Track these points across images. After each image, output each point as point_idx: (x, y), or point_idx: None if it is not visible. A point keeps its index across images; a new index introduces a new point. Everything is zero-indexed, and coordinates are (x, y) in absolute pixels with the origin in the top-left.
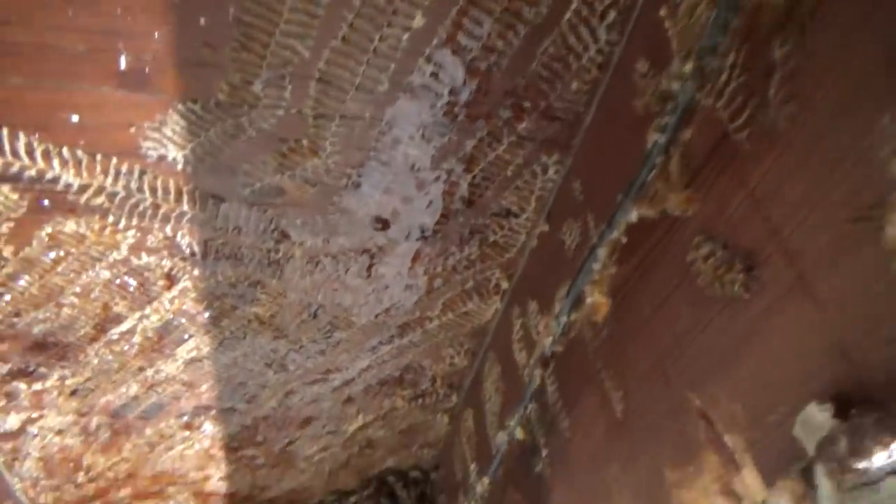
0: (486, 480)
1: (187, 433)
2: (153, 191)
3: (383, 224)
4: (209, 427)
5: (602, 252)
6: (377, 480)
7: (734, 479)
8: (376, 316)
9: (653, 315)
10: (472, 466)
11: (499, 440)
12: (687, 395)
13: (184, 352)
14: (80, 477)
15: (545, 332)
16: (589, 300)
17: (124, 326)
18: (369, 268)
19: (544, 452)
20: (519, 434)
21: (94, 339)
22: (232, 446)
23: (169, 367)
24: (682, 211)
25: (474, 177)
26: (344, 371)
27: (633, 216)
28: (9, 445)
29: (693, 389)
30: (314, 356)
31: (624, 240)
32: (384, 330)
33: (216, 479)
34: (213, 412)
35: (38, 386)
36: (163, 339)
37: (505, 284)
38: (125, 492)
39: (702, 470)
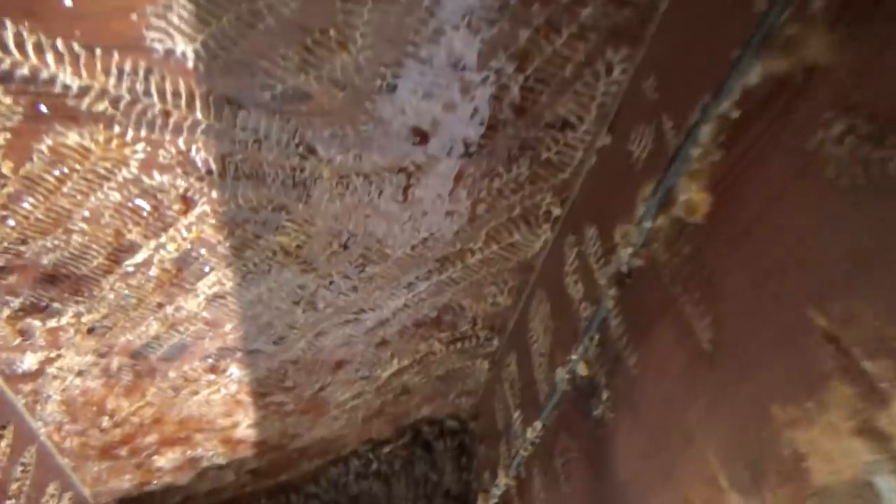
0: (536, 426)
1: (213, 377)
2: (162, 95)
3: (422, 137)
4: (235, 370)
5: (705, 132)
6: (412, 430)
7: (877, 414)
8: (412, 248)
9: (762, 215)
10: (516, 414)
11: (549, 383)
12: (807, 313)
13: (205, 287)
14: (105, 422)
15: (624, 242)
16: (683, 198)
17: (139, 257)
18: (406, 190)
19: (605, 394)
20: (582, 370)
21: (108, 272)
22: (259, 391)
23: (190, 304)
24: (827, 59)
25: (527, 78)
26: (378, 310)
27: (755, 76)
28: (28, 387)
29: (817, 306)
30: (346, 293)
31: (735, 114)
32: (421, 264)
33: (244, 426)
34: (239, 354)
35: (52, 323)
36: (182, 272)
37: (557, 210)
38: (151, 438)
39: (826, 405)
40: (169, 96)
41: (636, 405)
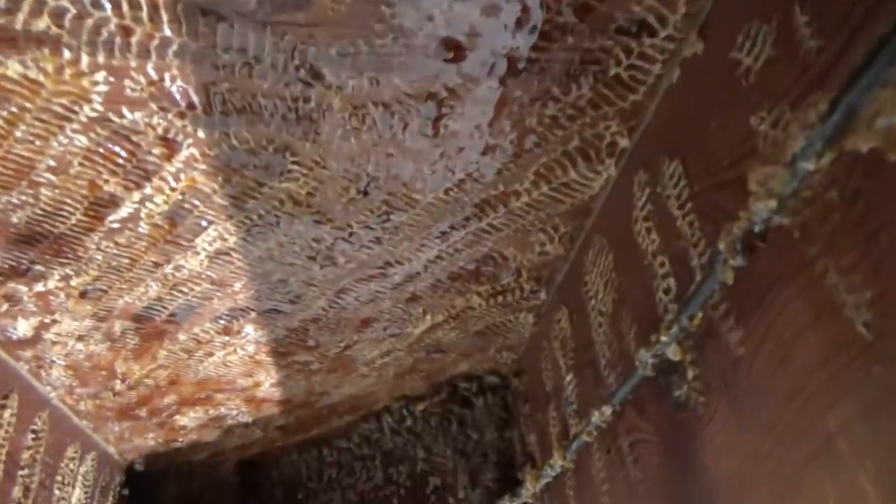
0: (605, 411)
1: (227, 338)
2: (116, 4)
3: (455, 51)
4: (251, 331)
5: None
6: (448, 386)
7: None
8: (446, 191)
9: None
10: (569, 377)
11: (614, 350)
12: None
13: (205, 243)
14: (118, 385)
15: (765, 192)
16: (883, 122)
17: (124, 212)
18: (436, 121)
19: (690, 373)
20: (674, 353)
21: (90, 229)
22: (280, 351)
23: (190, 263)
24: None
25: None
26: (406, 264)
27: None
28: (28, 353)
29: None
30: (368, 246)
31: None
32: (456, 210)
33: (267, 386)
34: (253, 315)
35: (39, 287)
36: (176, 228)
37: (624, 142)
38: (170, 399)
39: None
40: (125, 6)
41: (739, 393)
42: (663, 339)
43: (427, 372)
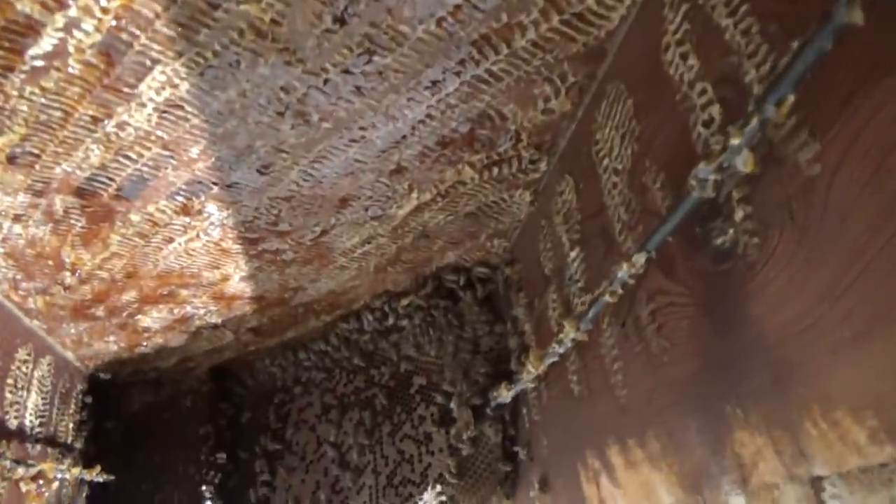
0: (636, 260)
1: (187, 220)
2: None
3: None
4: (214, 211)
5: None
6: (434, 280)
7: None
8: (438, 22)
9: None
10: (574, 253)
11: (635, 208)
12: None
13: (151, 91)
14: (68, 277)
15: None
16: None
17: (47, 44)
18: None
19: (740, 212)
20: (746, 164)
21: (8, 68)
22: (249, 238)
23: (136, 119)
24: None
25: None
26: (391, 123)
27: None
28: None
29: None
30: (347, 98)
31: None
32: (450, 50)
33: (237, 280)
34: (215, 190)
35: None
36: (114, 68)
37: None
38: (129, 295)
39: None
40: None
41: (811, 223)
42: (734, 142)
43: (411, 263)
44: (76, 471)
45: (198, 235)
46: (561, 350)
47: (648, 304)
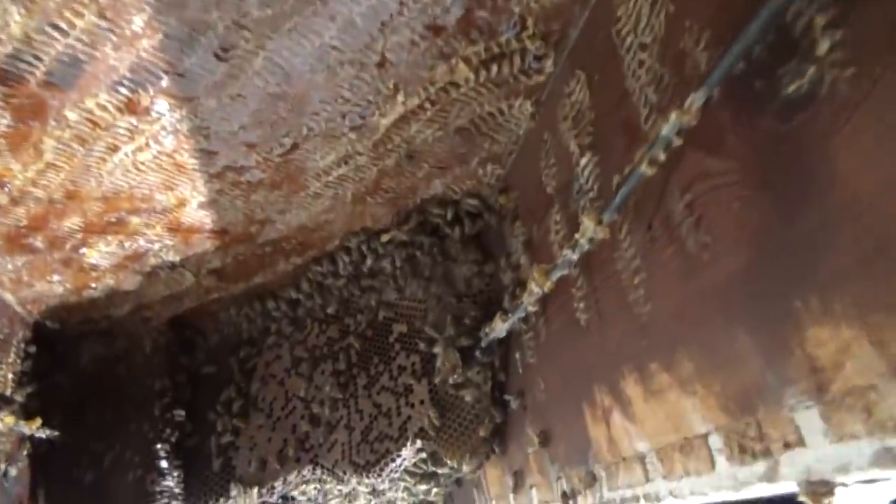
0: (692, 103)
1: (133, 121)
2: None
3: None
4: (165, 110)
5: None
6: (418, 213)
7: None
8: None
9: None
10: (585, 160)
11: (669, 82)
12: None
13: None
14: None
15: None
16: None
17: None
18: None
19: (827, 43)
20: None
21: None
22: (208, 150)
23: None
24: None
25: None
26: None
27: None
28: None
29: None
30: None
31: None
32: None
33: (195, 206)
34: (165, 81)
35: None
36: None
37: None
38: (72, 222)
39: None
40: None
41: None
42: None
43: (393, 194)
44: (10, 420)
45: (147, 144)
46: (575, 255)
47: (684, 195)
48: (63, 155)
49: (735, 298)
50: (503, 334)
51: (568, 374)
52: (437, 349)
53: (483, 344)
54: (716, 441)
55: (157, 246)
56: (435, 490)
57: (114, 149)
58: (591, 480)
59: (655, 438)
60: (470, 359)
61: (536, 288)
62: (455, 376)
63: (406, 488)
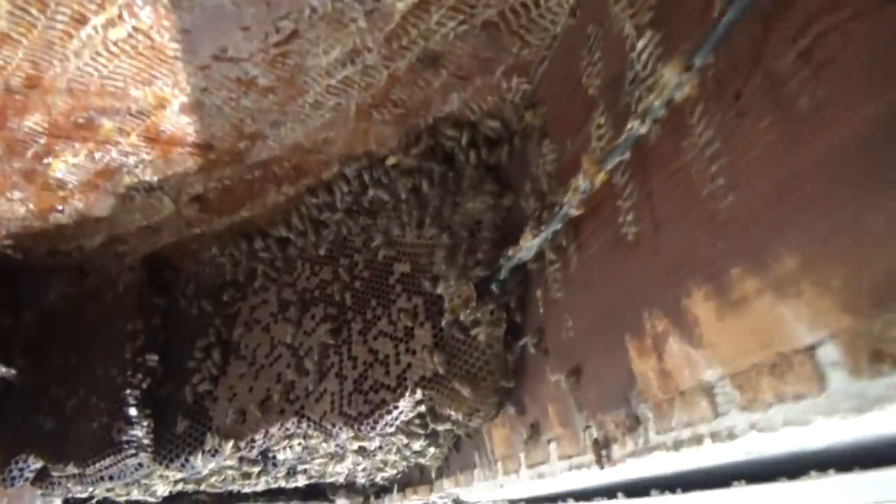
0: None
1: None
2: None
3: None
4: None
5: None
6: (429, 135)
7: None
8: None
9: None
10: (646, 38)
11: None
12: None
13: None
14: None
15: None
16: None
17: None
18: None
19: None
20: None
21: None
22: (191, 29)
23: None
24: None
25: None
26: None
27: None
28: None
29: None
30: None
31: None
32: None
33: (176, 109)
34: None
35: None
36: None
37: None
38: (33, 120)
39: None
40: None
41: None
42: None
43: (403, 109)
44: None
45: (120, 16)
46: (643, 128)
47: (797, 41)
48: (21, 24)
49: (872, 157)
50: (531, 254)
51: (606, 305)
52: (443, 289)
53: (502, 274)
54: (829, 352)
55: (132, 160)
56: (431, 451)
57: (80, 20)
58: (634, 424)
59: (732, 362)
60: (485, 293)
61: (584, 183)
62: (467, 312)
63: (399, 449)
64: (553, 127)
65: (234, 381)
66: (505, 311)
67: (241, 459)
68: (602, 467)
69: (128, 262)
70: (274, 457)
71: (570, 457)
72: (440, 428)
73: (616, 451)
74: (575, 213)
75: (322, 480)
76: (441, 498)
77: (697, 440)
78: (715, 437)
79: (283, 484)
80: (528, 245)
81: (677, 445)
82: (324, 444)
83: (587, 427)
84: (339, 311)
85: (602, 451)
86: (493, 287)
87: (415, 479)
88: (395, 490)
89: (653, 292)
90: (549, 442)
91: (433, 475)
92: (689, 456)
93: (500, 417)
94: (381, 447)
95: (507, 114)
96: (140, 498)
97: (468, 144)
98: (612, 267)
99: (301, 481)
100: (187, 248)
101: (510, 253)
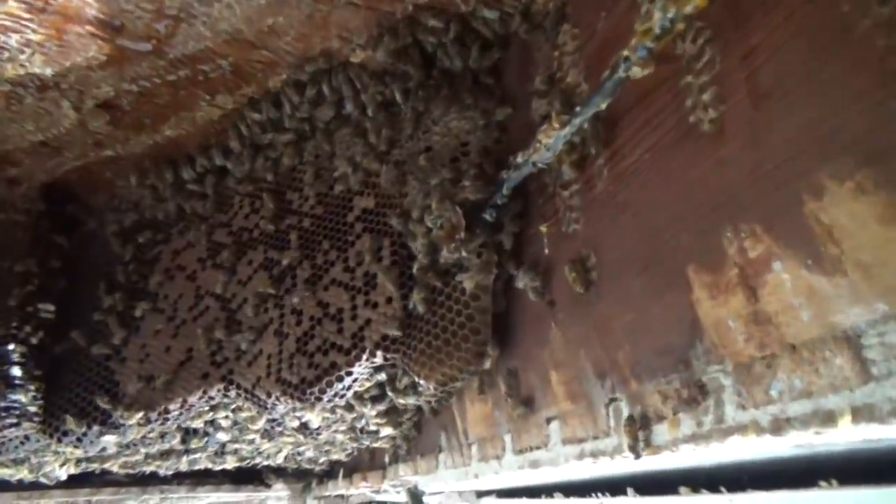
0: None
1: None
2: None
3: None
4: None
5: None
6: (406, 27)
7: None
8: None
9: None
10: None
11: None
12: None
13: None
14: None
15: None
16: None
17: None
18: None
19: None
20: None
21: None
22: None
23: None
24: None
25: None
26: None
27: None
28: None
29: None
30: None
31: None
32: None
33: None
34: None
35: None
36: None
37: None
38: None
39: None
40: None
41: None
42: None
43: None
44: None
45: None
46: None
47: None
48: None
49: None
50: (550, 155)
51: (653, 230)
52: (416, 219)
53: (501, 195)
54: None
55: (13, 41)
56: (389, 431)
57: None
58: (697, 395)
59: None
60: (475, 223)
61: (665, 16)
62: (452, 246)
63: (350, 428)
64: (575, 6)
65: (148, 339)
66: (496, 249)
67: (158, 435)
68: (638, 456)
69: (22, 192)
70: (194, 431)
71: (581, 440)
72: (403, 401)
73: (662, 433)
74: (640, 72)
75: (256, 462)
76: (394, 486)
77: (825, 419)
78: (860, 413)
79: (209, 465)
80: (551, 140)
81: (780, 427)
82: (257, 418)
83: (613, 400)
84: (282, 256)
85: (639, 432)
86: (487, 215)
87: (364, 463)
88: (340, 476)
89: (744, 199)
90: (549, 421)
91: (386, 459)
92: (795, 442)
93: (476, 388)
94: (327, 425)
95: (508, 5)
96: (33, 479)
97: (455, 42)
98: (670, 173)
99: (231, 462)
100: (98, 176)
101: (518, 159)
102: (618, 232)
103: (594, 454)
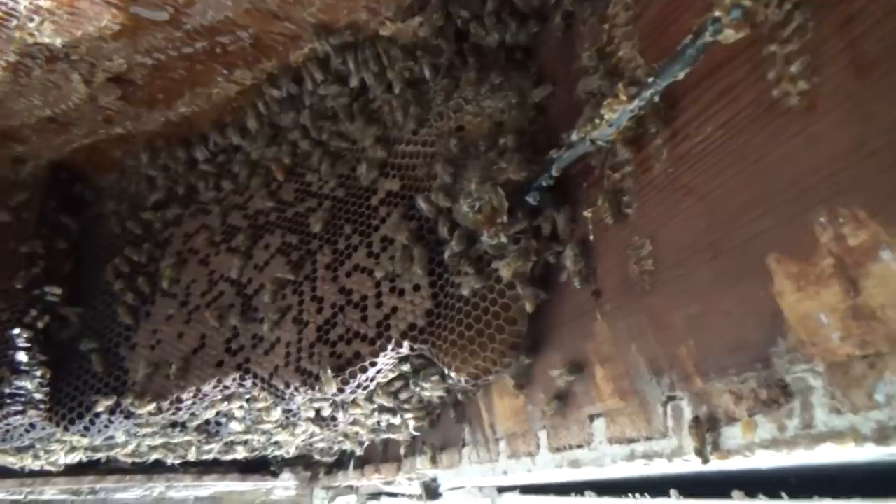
0: None
1: None
2: None
3: None
4: None
5: None
6: (439, 4)
7: None
8: None
9: None
10: None
11: None
12: None
13: None
14: None
15: None
16: None
17: None
18: None
19: None
20: None
21: None
22: None
23: None
24: None
25: None
26: None
27: None
28: None
29: None
30: None
31: None
32: None
33: None
34: None
35: None
36: None
37: None
38: None
39: None
40: None
41: None
42: None
43: None
44: None
45: None
46: None
47: None
48: None
49: None
50: (611, 132)
51: (725, 214)
52: (445, 209)
53: (549, 176)
54: None
55: (22, 6)
56: (413, 425)
57: None
58: (780, 396)
59: None
60: (518, 207)
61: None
62: (493, 230)
63: (372, 420)
64: None
65: (159, 325)
66: (536, 237)
67: (169, 424)
68: (706, 460)
69: (29, 171)
70: (208, 422)
71: (631, 440)
72: (429, 395)
73: (734, 436)
74: (734, 35)
75: (266, 453)
76: (409, 479)
77: None
78: None
79: (218, 457)
80: (616, 115)
81: (887, 436)
82: (272, 409)
83: (671, 398)
84: (301, 241)
85: (706, 433)
86: (531, 198)
87: (377, 454)
88: (351, 467)
89: (843, 181)
90: (592, 418)
91: (402, 451)
92: None
93: (507, 381)
94: (344, 415)
95: None
96: (37, 467)
97: (492, 14)
98: (746, 153)
99: (241, 454)
100: (107, 155)
101: (573, 136)
102: (680, 218)
103: (648, 456)
